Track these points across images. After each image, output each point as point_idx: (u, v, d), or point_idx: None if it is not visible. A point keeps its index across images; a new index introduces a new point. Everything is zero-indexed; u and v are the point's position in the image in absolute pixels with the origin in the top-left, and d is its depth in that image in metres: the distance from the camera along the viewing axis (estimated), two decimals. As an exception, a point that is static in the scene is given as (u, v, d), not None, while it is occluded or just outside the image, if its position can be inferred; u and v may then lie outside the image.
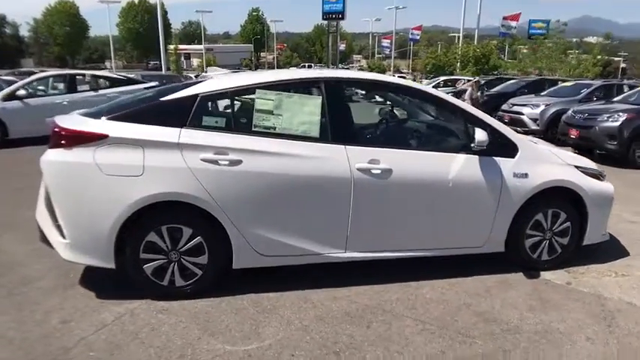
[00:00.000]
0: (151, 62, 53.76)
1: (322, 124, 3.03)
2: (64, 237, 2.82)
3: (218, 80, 3.12)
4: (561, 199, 3.44)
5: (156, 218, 2.86)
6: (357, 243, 3.15)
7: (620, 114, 7.63)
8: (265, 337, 2.62)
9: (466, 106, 3.29)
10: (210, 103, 3.00)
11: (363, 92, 4.55)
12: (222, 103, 3.09)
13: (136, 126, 2.84)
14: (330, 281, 3.24)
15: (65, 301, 2.99)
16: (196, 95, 2.95)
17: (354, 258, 3.18)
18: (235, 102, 3.02)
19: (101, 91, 8.96)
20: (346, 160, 3.00)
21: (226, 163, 2.85)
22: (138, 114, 2.92)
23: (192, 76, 19.25)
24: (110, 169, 2.75)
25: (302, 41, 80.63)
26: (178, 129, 2.86)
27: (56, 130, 2.83)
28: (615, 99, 9.26)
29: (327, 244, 3.12)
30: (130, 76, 10.48)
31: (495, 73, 24.81)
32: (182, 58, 34.17)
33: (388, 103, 3.62)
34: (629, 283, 3.38)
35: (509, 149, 3.29)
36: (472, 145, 3.11)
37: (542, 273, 3.50)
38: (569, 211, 3.48)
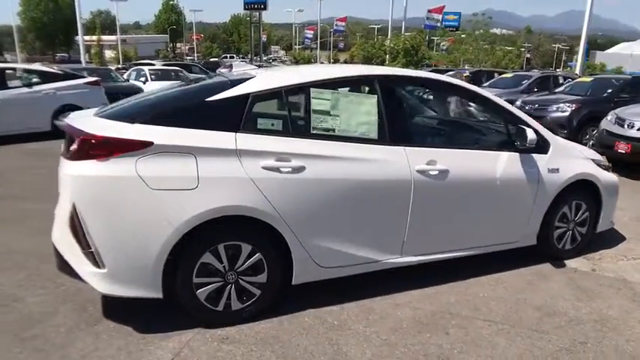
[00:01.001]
0: (59, 54, 48.28)
1: (380, 124, 2.86)
2: (100, 266, 2.36)
3: (266, 77, 2.80)
4: (583, 190, 3.63)
5: (212, 236, 2.50)
6: (413, 247, 3.05)
7: (568, 104, 8.33)
8: (355, 358, 2.43)
9: (509, 105, 3.32)
10: (263, 104, 2.68)
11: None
12: (275, 104, 2.78)
13: (185, 131, 2.45)
14: (377, 287, 3.10)
15: (98, 341, 2.51)
16: (247, 95, 2.61)
17: (409, 262, 3.08)
18: (289, 102, 2.74)
19: (36, 87, 7.76)
20: (406, 162, 2.87)
21: (289, 170, 2.57)
22: (182, 117, 2.51)
23: (113, 68, 17.50)
24: (158, 182, 2.34)
25: (219, 32, 77.76)
26: (233, 133, 2.52)
27: (84, 137, 2.33)
28: (557, 90, 10.03)
29: (385, 250, 2.98)
30: (67, 70, 9.20)
31: (425, 65, 25.87)
32: (103, 50, 30.92)
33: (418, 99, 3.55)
34: (642, 265, 3.70)
35: (543, 146, 3.40)
36: (519, 143, 3.16)
37: (566, 262, 3.69)
38: (588, 202, 3.70)
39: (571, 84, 10.33)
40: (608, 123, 6.85)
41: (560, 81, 11.68)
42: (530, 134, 3.08)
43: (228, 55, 52.31)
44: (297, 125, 2.73)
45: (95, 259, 2.36)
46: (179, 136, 2.42)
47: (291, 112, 2.71)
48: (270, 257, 2.65)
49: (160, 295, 2.47)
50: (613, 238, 4.18)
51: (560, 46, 73.40)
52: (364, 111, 2.86)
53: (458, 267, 3.40)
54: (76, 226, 2.35)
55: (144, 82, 12.45)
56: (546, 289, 3.26)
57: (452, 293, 3.16)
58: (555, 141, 3.50)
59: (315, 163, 2.63)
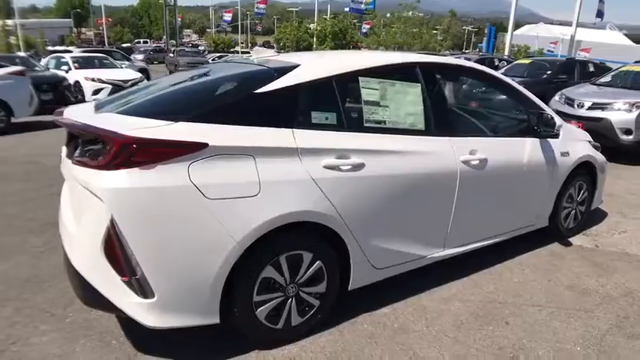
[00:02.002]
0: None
1: (425, 114, 2.73)
2: (147, 295, 1.97)
3: (313, 65, 2.50)
4: (584, 171, 3.82)
5: (273, 247, 2.20)
6: (454, 239, 2.98)
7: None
8: (437, 362, 2.31)
9: (529, 93, 3.35)
10: (314, 95, 2.40)
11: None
12: (325, 95, 2.50)
13: (242, 129, 2.12)
14: (415, 283, 2.98)
15: (145, 380, 2.13)
16: (298, 85, 2.32)
17: (450, 255, 3.02)
18: (340, 92, 2.48)
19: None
20: (453, 153, 2.78)
21: (349, 168, 2.35)
22: (232, 112, 2.16)
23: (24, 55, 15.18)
24: (216, 190, 2.00)
25: (127, 15, 71.86)
26: (290, 129, 2.23)
27: (124, 140, 1.89)
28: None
29: (431, 244, 2.88)
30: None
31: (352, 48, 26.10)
32: (9, 36, 26.72)
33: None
34: (634, 237, 4.01)
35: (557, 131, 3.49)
36: (544, 129, 3.21)
37: (571, 240, 3.87)
38: (587, 182, 3.90)
39: (509, 66, 10.95)
40: (557, 103, 7.35)
41: (496, 63, 12.35)
42: (558, 120, 3.14)
43: (141, 40, 48.48)
44: (351, 118, 2.49)
45: (141, 288, 1.96)
46: (236, 136, 2.08)
47: (344, 104, 2.47)
48: (329, 264, 2.42)
49: (216, 320, 2.14)
50: (597, 215, 4.47)
51: (470, 28, 77.92)
52: (410, 101, 2.70)
53: (477, 256, 3.40)
54: (116, 251, 1.92)
55: (66, 72, 11.08)
56: (568, 268, 3.39)
57: (488, 282, 3.16)
58: (564, 125, 3.62)
59: (373, 159, 2.44)
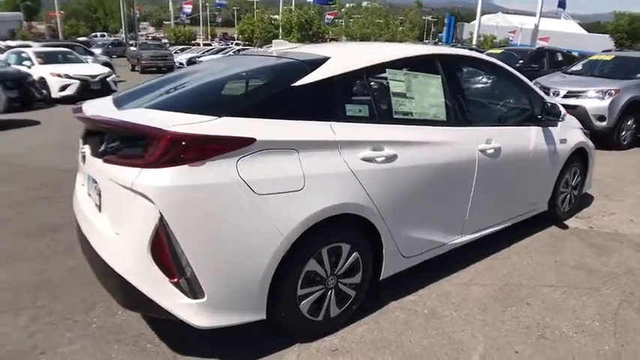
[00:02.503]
0: None
1: (446, 105, 2.79)
2: (197, 295, 1.93)
3: (344, 57, 2.50)
4: (578, 157, 4.02)
5: (316, 240, 2.21)
6: (471, 225, 3.08)
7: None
8: (473, 344, 2.39)
9: (531, 83, 3.48)
10: (347, 87, 2.40)
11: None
12: (356, 87, 2.51)
13: (286, 123, 2.10)
14: (430, 270, 3.03)
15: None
16: (333, 78, 2.32)
17: (467, 241, 3.11)
18: (370, 84, 2.50)
19: None
20: (472, 142, 2.86)
21: (383, 159, 2.38)
22: (274, 106, 2.14)
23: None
24: (265, 185, 1.98)
25: (81, 7, 68.40)
26: (328, 123, 2.24)
27: (173, 136, 1.83)
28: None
29: (451, 231, 2.97)
30: None
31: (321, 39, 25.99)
32: None
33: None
34: (622, 218, 4.26)
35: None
36: (549, 118, 3.36)
37: (566, 223, 4.08)
38: (580, 167, 4.11)
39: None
40: (533, 93, 7.63)
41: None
42: (562, 110, 3.29)
43: (98, 34, 46.31)
44: (381, 110, 2.52)
45: (191, 288, 1.92)
46: (281, 130, 2.06)
47: (374, 96, 2.49)
48: (364, 255, 2.45)
49: (263, 317, 2.13)
50: (586, 199, 4.72)
51: (429, 18, 79.03)
52: (432, 92, 2.76)
53: (483, 242, 3.51)
54: (165, 251, 1.87)
55: (29, 67, 10.48)
56: (570, 249, 3.58)
57: (500, 266, 3.28)
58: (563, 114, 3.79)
59: (404, 150, 2.48)
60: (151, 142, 1.86)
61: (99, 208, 2.25)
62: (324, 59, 2.40)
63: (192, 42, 44.70)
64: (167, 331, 2.40)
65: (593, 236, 3.86)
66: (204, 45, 40.82)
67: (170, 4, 51.07)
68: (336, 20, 39.16)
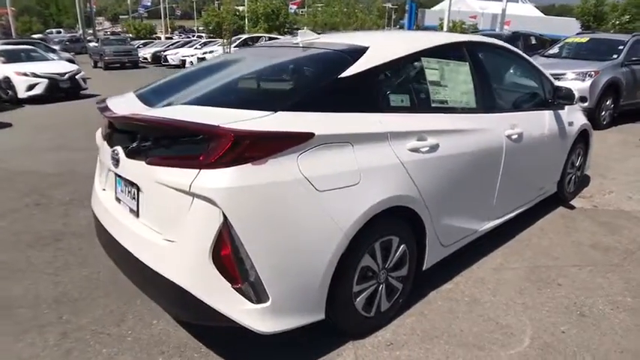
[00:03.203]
0: None
1: (475, 92, 2.78)
2: (261, 299, 1.84)
3: (383, 47, 2.42)
4: (582, 138, 4.13)
5: (371, 235, 2.15)
6: (497, 210, 3.11)
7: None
8: (521, 327, 2.41)
9: (541, 68, 3.53)
10: (389, 78, 2.34)
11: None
12: (396, 77, 2.44)
13: (340, 116, 2.03)
14: (460, 257, 3.02)
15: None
16: (375, 68, 2.25)
17: (494, 226, 3.13)
18: (409, 74, 2.44)
19: None
20: (499, 128, 2.88)
21: (427, 149, 2.34)
22: (325, 100, 2.05)
23: None
24: (325, 181, 1.91)
25: (32, 4, 64.43)
26: (377, 114, 2.18)
27: (233, 134, 1.71)
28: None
29: (482, 217, 2.98)
30: None
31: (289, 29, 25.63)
32: None
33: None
34: (621, 196, 4.43)
35: (562, 102, 3.73)
36: (563, 101, 3.42)
37: (572, 203, 4.20)
38: (583, 148, 4.23)
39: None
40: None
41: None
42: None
43: (54, 30, 43.83)
44: (420, 99, 2.47)
45: (255, 292, 1.83)
46: (337, 123, 1.99)
47: (414, 86, 2.44)
48: (410, 246, 2.42)
49: (322, 317, 2.07)
50: (583, 178, 4.86)
51: (390, 5, 79.05)
52: (462, 79, 2.74)
53: (501, 226, 3.57)
54: (229, 256, 1.77)
55: (-11, 66, 9.82)
56: (583, 229, 3.68)
57: (523, 249, 3.33)
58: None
59: (445, 139, 2.45)
60: (210, 141, 1.74)
61: (136, 213, 2.11)
62: (364, 49, 2.33)
63: (154, 36, 43.14)
64: (213, 339, 2.30)
65: (600, 215, 3.99)
66: (166, 39, 39.54)
67: (128, -4, 49.06)
68: (300, 10, 38.82)
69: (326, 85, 2.13)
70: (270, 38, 21.94)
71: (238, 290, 1.82)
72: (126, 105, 2.24)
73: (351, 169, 1.99)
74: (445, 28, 18.79)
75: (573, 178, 4.20)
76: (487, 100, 2.85)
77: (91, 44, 24.51)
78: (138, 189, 2.07)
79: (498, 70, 3.15)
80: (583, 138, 4.13)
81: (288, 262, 1.88)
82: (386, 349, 2.25)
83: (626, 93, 7.59)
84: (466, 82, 2.75)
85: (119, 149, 2.12)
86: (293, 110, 1.92)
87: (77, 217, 3.89)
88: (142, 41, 32.81)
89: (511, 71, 3.35)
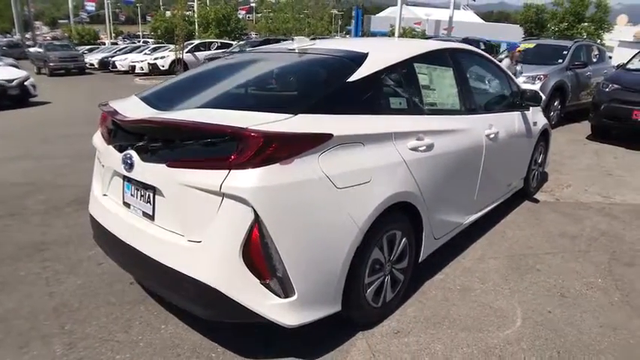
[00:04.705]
0: None
1: (459, 95, 3.01)
2: (288, 294, 1.93)
3: (381, 53, 2.56)
4: (542, 137, 4.50)
5: (380, 229, 2.28)
6: (478, 205, 3.35)
7: None
8: (512, 309, 2.63)
9: (509, 72, 3.84)
10: (390, 82, 2.49)
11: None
12: (394, 81, 2.59)
13: (352, 118, 2.16)
14: (443, 249, 3.23)
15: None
16: (377, 73, 2.40)
17: (473, 220, 3.37)
18: (403, 78, 2.61)
19: None
20: (480, 128, 3.11)
21: (424, 148, 2.52)
22: (339, 102, 2.17)
23: None
24: (343, 179, 2.02)
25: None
26: (382, 116, 2.33)
27: (263, 135, 1.79)
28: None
29: (465, 211, 3.21)
30: None
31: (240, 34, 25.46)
32: None
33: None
34: (578, 189, 4.85)
35: (527, 104, 4.06)
36: (530, 103, 3.74)
37: (536, 197, 4.56)
38: (544, 146, 4.60)
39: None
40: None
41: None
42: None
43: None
44: (414, 102, 2.64)
45: (283, 287, 1.91)
46: (351, 124, 2.12)
47: (410, 89, 2.61)
48: (410, 239, 2.58)
49: (339, 308, 2.18)
50: (542, 175, 5.28)
51: (336, 12, 79.77)
52: (448, 83, 2.95)
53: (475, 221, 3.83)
54: (259, 252, 1.84)
55: None
56: (550, 221, 4.02)
57: (500, 240, 3.60)
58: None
59: (438, 139, 2.64)
60: (239, 142, 1.80)
61: (151, 217, 2.13)
62: (365, 55, 2.48)
63: (98, 41, 41.40)
64: (226, 337, 2.34)
65: (562, 207, 4.36)
66: (112, 44, 38.09)
67: (69, 1, 46.80)
68: (248, 15, 38.65)
69: (337, 88, 2.25)
70: (223, 44, 21.87)
71: (266, 286, 1.89)
72: (136, 108, 2.25)
73: (364, 168, 2.13)
74: (397, 34, 19.43)
75: (536, 174, 4.56)
76: (468, 103, 3.09)
77: (32, 49, 23.19)
78: (154, 192, 2.09)
79: (475, 74, 3.40)
80: (544, 137, 4.51)
81: (312, 257, 1.98)
82: (395, 337, 2.38)
83: (571, 95, 8.27)
84: (451, 86, 2.97)
85: (132, 153, 2.13)
86: (311, 113, 2.02)
87: (56, 225, 3.76)
88: (87, 47, 31.50)
89: (485, 75, 3.62)
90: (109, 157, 2.35)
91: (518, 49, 7.16)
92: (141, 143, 2.10)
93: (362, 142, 2.14)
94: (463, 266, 3.16)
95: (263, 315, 1.92)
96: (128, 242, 2.22)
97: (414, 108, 2.61)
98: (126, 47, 27.85)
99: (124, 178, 2.27)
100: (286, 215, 1.86)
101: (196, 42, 22.11)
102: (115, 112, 2.22)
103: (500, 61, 5.71)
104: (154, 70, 19.77)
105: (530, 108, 4.07)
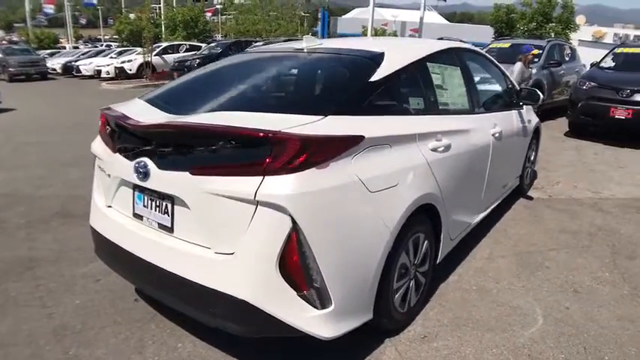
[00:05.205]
0: None
1: (467, 95, 3.00)
2: (325, 304, 1.83)
3: (397, 52, 2.50)
4: (535, 135, 4.57)
5: (407, 233, 2.22)
6: (484, 204, 3.36)
7: None
8: (531, 307, 2.62)
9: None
10: (408, 82, 2.43)
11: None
12: (410, 81, 2.53)
13: (379, 119, 2.09)
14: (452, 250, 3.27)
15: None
16: (397, 73, 2.33)
17: (480, 219, 3.37)
18: (420, 78, 2.56)
19: None
20: (487, 127, 3.12)
21: (442, 149, 2.48)
22: (363, 103, 2.10)
23: None
24: (375, 183, 1.95)
25: None
26: (405, 116, 2.28)
27: (300, 139, 1.70)
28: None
29: (474, 211, 3.20)
30: None
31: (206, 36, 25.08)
32: None
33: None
34: (568, 185, 4.97)
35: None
36: (529, 102, 3.78)
37: (530, 194, 4.63)
38: (535, 144, 4.68)
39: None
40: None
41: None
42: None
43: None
44: (431, 102, 2.60)
45: (320, 298, 1.82)
46: (379, 126, 2.05)
47: (425, 89, 2.57)
48: (431, 242, 2.54)
49: (371, 316, 2.10)
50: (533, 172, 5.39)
51: (302, 13, 79.65)
52: (457, 83, 2.94)
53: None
54: (296, 262, 1.74)
55: None
56: (547, 217, 4.08)
57: (504, 238, 3.62)
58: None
59: (453, 139, 2.61)
60: (273, 146, 1.70)
61: (169, 228, 1.99)
62: (381, 54, 2.42)
63: (58, 45, 39.81)
64: (249, 352, 2.23)
65: (556, 203, 4.45)
66: (74, 48, 36.70)
67: (27, 3, 44.80)
68: (213, 17, 38.05)
69: (362, 88, 2.17)
70: (191, 46, 21.46)
71: (303, 297, 1.80)
72: (146, 113, 2.11)
73: (393, 170, 2.07)
74: (369, 35, 19.58)
75: (529, 171, 4.64)
76: (476, 102, 3.09)
77: (-12, 55, 22.02)
78: (172, 202, 1.96)
79: (477, 73, 3.40)
80: (536, 135, 4.59)
81: (348, 265, 1.90)
82: (423, 342, 2.33)
83: (547, 93, 8.51)
84: (460, 86, 2.96)
85: (147, 161, 1.98)
86: (340, 114, 1.94)
87: (43, 240, 3.52)
88: (48, 51, 30.22)
89: (486, 74, 3.64)
90: (115, 165, 2.19)
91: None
92: (158, 150, 1.97)
93: (389, 144, 2.08)
94: (474, 266, 3.15)
95: (300, 328, 1.82)
96: (142, 256, 2.07)
97: (432, 108, 2.57)
98: (90, 51, 26.92)
99: (135, 187, 2.12)
100: (324, 222, 1.78)
101: (164, 45, 21.56)
102: (126, 117, 2.07)
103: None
104: (120, 74, 19.15)
105: (524, 106, 4.13)
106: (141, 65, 18.70)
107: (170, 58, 19.61)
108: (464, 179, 2.79)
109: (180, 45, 21.69)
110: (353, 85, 2.23)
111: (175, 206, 1.95)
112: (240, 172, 1.74)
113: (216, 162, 1.81)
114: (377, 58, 2.35)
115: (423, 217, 2.40)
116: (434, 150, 2.40)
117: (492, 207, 3.61)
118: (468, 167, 2.81)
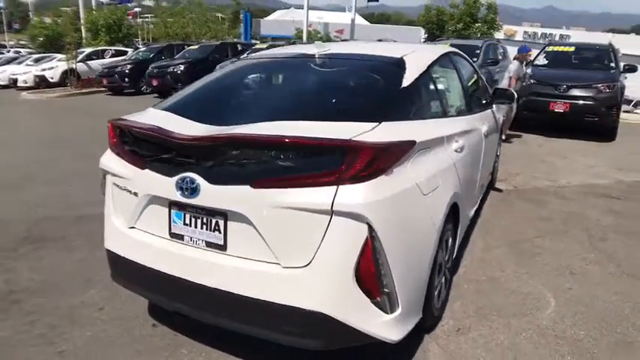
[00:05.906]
0: None
1: (465, 96, 3.16)
2: (394, 309, 1.86)
3: (415, 57, 2.56)
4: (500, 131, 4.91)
5: (444, 231, 2.30)
6: (476, 197, 3.56)
7: None
8: (540, 292, 2.83)
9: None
10: (429, 86, 2.51)
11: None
12: (431, 85, 2.60)
13: (422, 123, 2.17)
14: None
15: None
16: (421, 76, 2.40)
17: (472, 214, 3.56)
18: (432, 82, 2.65)
19: None
20: (480, 126, 3.31)
21: (460, 149, 2.60)
22: (405, 108, 2.16)
23: None
24: (426, 185, 2.01)
25: None
26: (434, 120, 2.37)
27: (372, 147, 1.71)
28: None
29: (472, 206, 3.38)
30: None
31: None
32: None
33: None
34: (528, 176, 5.39)
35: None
36: (504, 101, 4.05)
37: (498, 186, 4.96)
38: (500, 139, 5.03)
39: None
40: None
41: (239, 48, 14.46)
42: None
43: None
44: (442, 104, 2.71)
45: (390, 302, 1.83)
46: (424, 130, 2.12)
47: (441, 93, 2.68)
48: (453, 238, 2.65)
49: (421, 315, 2.15)
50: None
51: (222, 15, 77.58)
52: (455, 86, 3.09)
53: None
54: (372, 271, 1.74)
55: None
56: (520, 207, 4.41)
57: (492, 229, 3.85)
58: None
59: (464, 140, 2.74)
60: (345, 155, 1.69)
61: (221, 246, 1.90)
62: (401, 59, 2.48)
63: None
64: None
65: (524, 193, 4.82)
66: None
67: None
68: (133, 20, 36.36)
69: (400, 94, 2.21)
70: (117, 51, 20.26)
71: (376, 304, 1.81)
72: (179, 125, 1.98)
73: (434, 172, 2.14)
74: (305, 38, 19.81)
75: (497, 165, 4.98)
76: (469, 103, 3.27)
77: None
78: (226, 218, 1.87)
79: (467, 75, 3.59)
80: (501, 131, 4.94)
81: (410, 267, 1.94)
82: (459, 335, 2.43)
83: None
84: (459, 88, 3.11)
85: (193, 176, 1.87)
86: (391, 120, 1.97)
87: (18, 270, 3.15)
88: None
89: (470, 75, 3.85)
90: (147, 182, 2.04)
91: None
92: (205, 164, 1.87)
93: (430, 147, 2.15)
94: (476, 258, 3.32)
95: (373, 335, 1.83)
96: (186, 277, 1.95)
97: (447, 110, 2.70)
98: (1, 59, 24.36)
99: (172, 205, 1.99)
100: (394, 228, 1.80)
101: (88, 50, 20.12)
102: (161, 129, 1.94)
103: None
104: (41, 83, 17.55)
105: (493, 105, 4.43)
106: (64, 72, 17.26)
107: (95, 64, 18.35)
108: (470, 177, 2.94)
109: (105, 50, 20.40)
110: (394, 91, 2.26)
111: (229, 222, 1.86)
112: (311, 183, 1.70)
113: (282, 173, 1.76)
114: (400, 64, 2.42)
115: (450, 215, 2.50)
116: (456, 151, 2.51)
117: (479, 200, 3.84)
118: (472, 165, 2.97)
